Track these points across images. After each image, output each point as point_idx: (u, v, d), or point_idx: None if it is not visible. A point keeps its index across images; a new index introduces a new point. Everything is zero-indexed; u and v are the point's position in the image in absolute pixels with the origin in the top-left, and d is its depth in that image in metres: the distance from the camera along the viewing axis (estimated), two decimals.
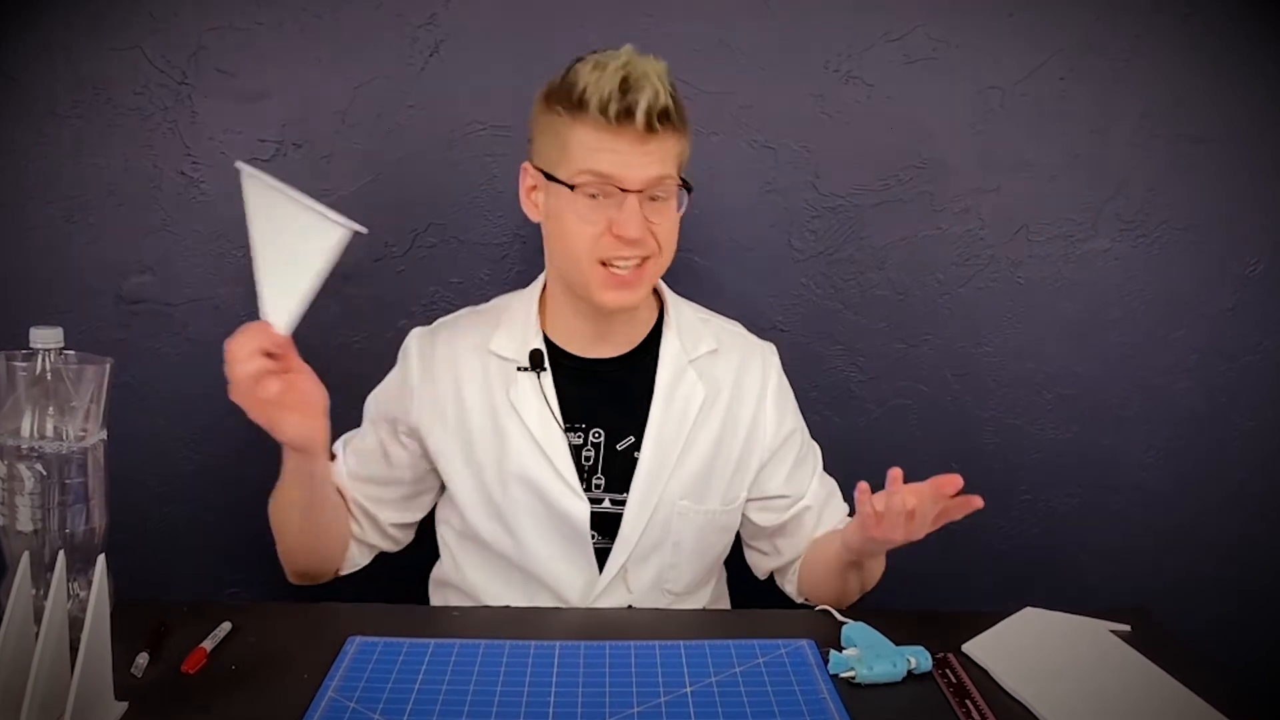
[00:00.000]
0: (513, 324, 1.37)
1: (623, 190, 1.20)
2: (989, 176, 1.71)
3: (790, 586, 1.42)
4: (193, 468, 1.77)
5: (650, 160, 1.20)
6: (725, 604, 1.50)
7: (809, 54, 1.67)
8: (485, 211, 1.70)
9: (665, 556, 1.34)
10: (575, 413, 1.33)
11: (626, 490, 1.32)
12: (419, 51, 1.65)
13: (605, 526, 1.32)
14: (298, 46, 1.64)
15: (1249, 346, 1.78)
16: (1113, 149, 1.71)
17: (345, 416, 1.69)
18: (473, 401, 1.34)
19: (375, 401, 1.41)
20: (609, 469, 1.33)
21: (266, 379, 1.10)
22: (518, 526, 1.32)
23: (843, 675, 1.07)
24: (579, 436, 1.32)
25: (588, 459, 1.32)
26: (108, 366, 1.11)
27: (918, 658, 1.09)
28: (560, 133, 1.22)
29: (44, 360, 1.07)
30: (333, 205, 1.69)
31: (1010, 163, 1.71)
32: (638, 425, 1.33)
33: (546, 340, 1.35)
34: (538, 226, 1.70)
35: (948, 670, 1.10)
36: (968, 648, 1.15)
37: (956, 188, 1.72)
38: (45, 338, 1.08)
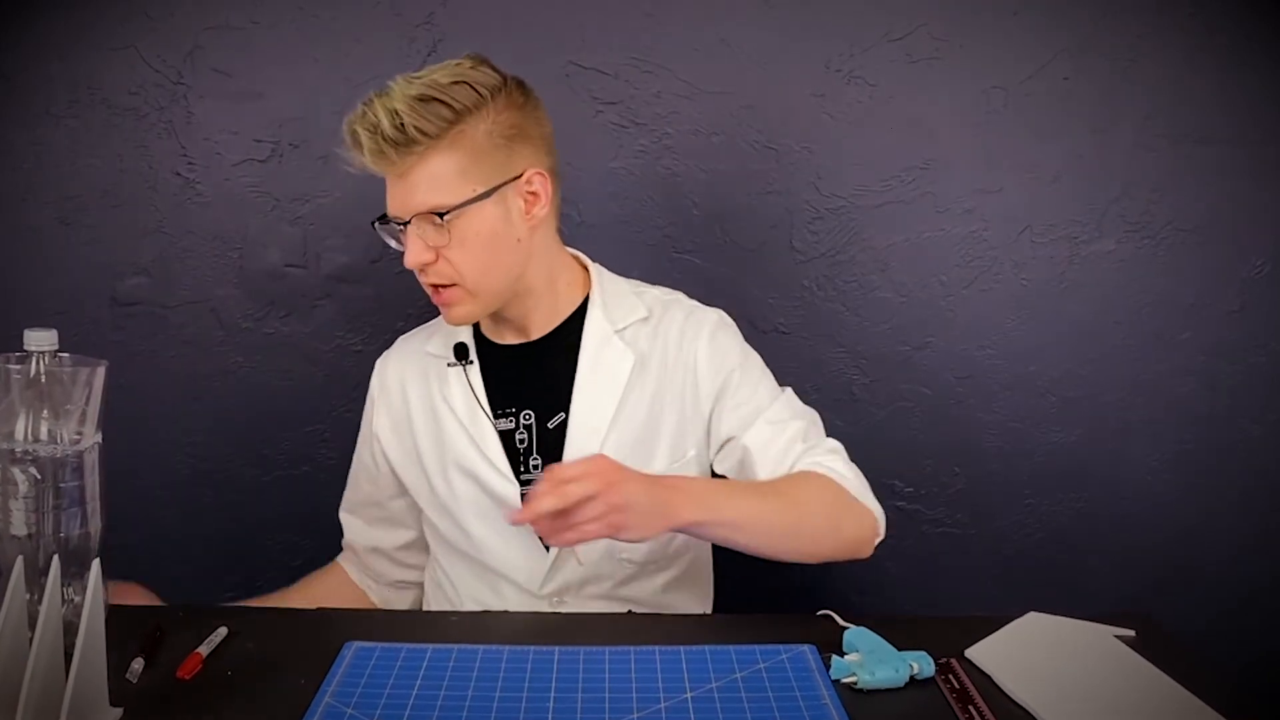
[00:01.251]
0: (445, 326, 1.40)
1: (398, 223, 1.24)
2: (992, 177, 1.72)
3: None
4: (189, 471, 1.77)
5: (410, 189, 1.22)
6: (708, 580, 1.50)
7: (810, 54, 1.67)
8: None
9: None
10: (504, 398, 1.36)
11: None
12: (417, 51, 1.65)
13: None
14: (294, 46, 1.65)
15: (1255, 349, 1.78)
16: (1117, 150, 1.71)
17: (343, 418, 1.70)
18: (415, 403, 1.40)
19: (357, 450, 1.50)
20: (544, 449, 1.34)
21: None
22: (463, 518, 1.36)
23: (844, 681, 1.07)
24: (510, 421, 1.35)
25: (522, 441, 1.35)
26: (102, 369, 1.10)
27: (920, 663, 1.09)
28: None
29: (38, 362, 1.06)
30: (331, 206, 1.71)
31: (1013, 163, 1.71)
32: (566, 401, 1.34)
33: (478, 334, 1.40)
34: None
35: (951, 676, 1.10)
36: (971, 653, 1.15)
37: (959, 188, 1.72)
38: (39, 340, 1.07)
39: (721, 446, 1.36)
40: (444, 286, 1.26)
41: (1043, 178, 1.72)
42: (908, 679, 1.07)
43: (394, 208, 1.24)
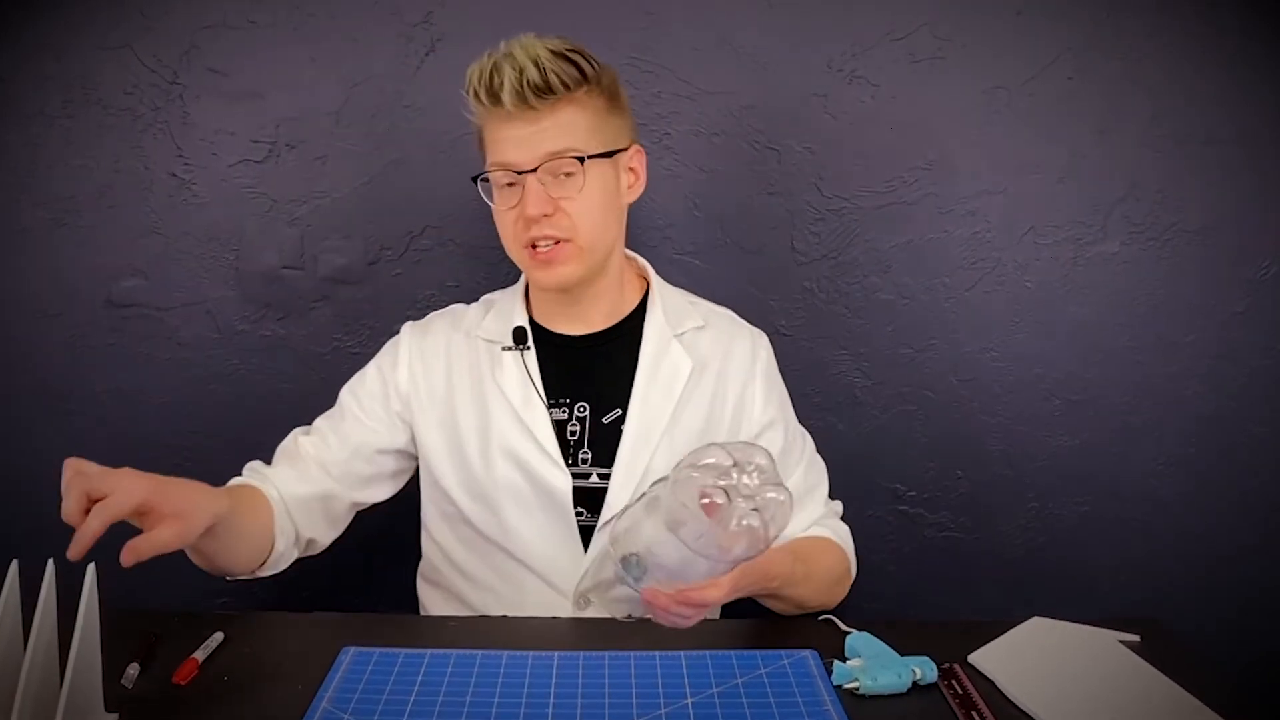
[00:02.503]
0: (499, 309, 1.42)
1: (519, 172, 1.25)
2: (995, 178, 1.72)
3: None
4: (184, 475, 1.76)
5: (542, 136, 1.24)
6: None
7: (812, 53, 1.67)
8: (482, 214, 1.69)
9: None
10: (559, 388, 1.36)
11: (613, 463, 1.34)
12: (415, 51, 1.66)
13: (592, 502, 1.34)
14: (291, 46, 1.65)
15: (1260, 351, 1.77)
16: (1121, 150, 1.71)
17: None
18: (460, 385, 1.38)
19: (358, 388, 1.42)
20: (595, 443, 1.35)
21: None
22: (501, 506, 1.34)
23: (846, 686, 1.07)
24: (564, 412, 1.36)
25: (573, 433, 1.35)
26: None
27: (923, 668, 1.09)
28: (477, 126, 1.31)
29: None
30: (328, 207, 1.71)
31: (1017, 164, 1.71)
32: (624, 398, 1.36)
33: (532, 321, 1.40)
34: None
35: (953, 681, 1.10)
36: (974, 658, 1.15)
37: (962, 189, 1.72)
38: None
39: None
40: (556, 242, 1.28)
41: (1047, 178, 1.72)
42: (910, 684, 1.08)
43: (518, 154, 1.25)
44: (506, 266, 1.70)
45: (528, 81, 1.21)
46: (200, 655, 1.11)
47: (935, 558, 1.84)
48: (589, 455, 1.35)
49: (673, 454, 1.30)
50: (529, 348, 1.37)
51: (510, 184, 1.27)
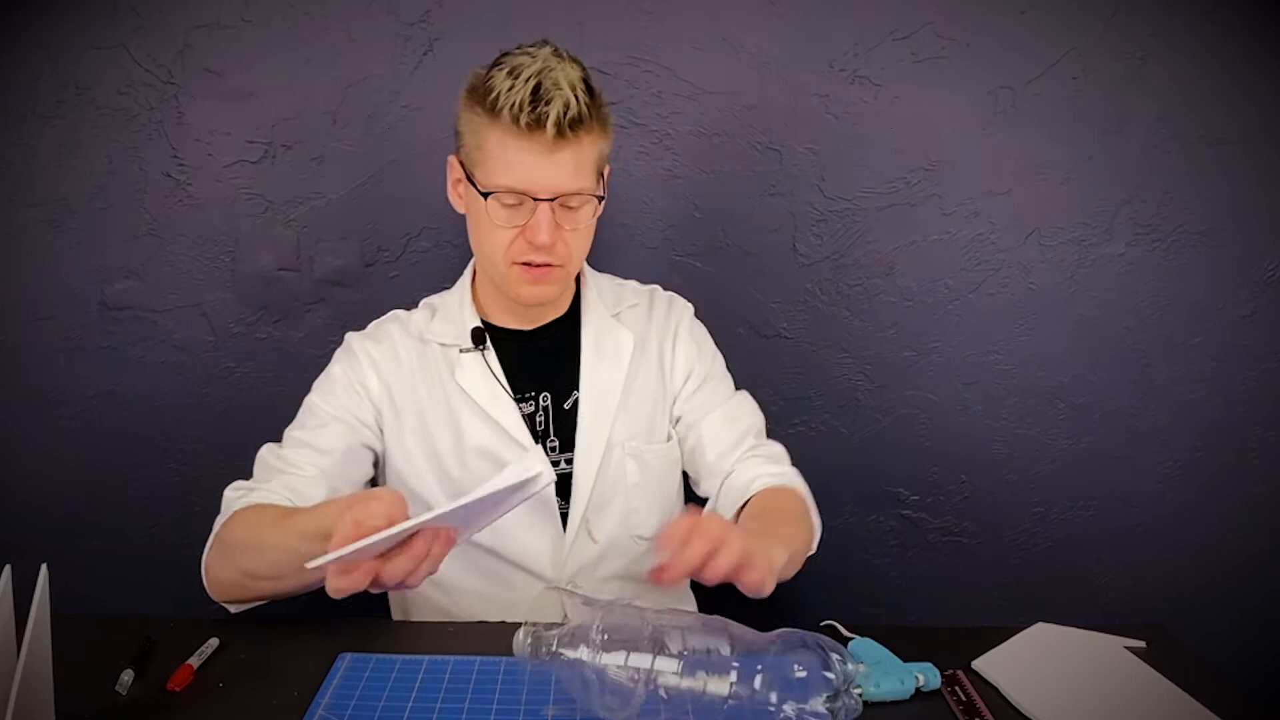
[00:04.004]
0: (448, 312, 1.44)
1: (535, 200, 1.25)
2: (1000, 179, 1.72)
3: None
4: (178, 479, 1.77)
5: (562, 170, 1.24)
6: None
7: (814, 53, 1.68)
8: None
9: (625, 500, 1.40)
10: (521, 382, 1.39)
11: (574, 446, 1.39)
12: (412, 50, 1.66)
13: (565, 488, 1.38)
14: (287, 45, 1.65)
15: (1268, 353, 1.78)
16: (1127, 151, 1.71)
17: None
18: (422, 390, 1.39)
19: (329, 392, 1.38)
20: (560, 429, 1.39)
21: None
22: None
23: None
24: (530, 405, 1.39)
25: (540, 424, 1.39)
26: None
27: (926, 675, 1.09)
28: (478, 133, 1.26)
29: None
30: (325, 208, 1.71)
31: (1022, 165, 1.71)
32: (578, 382, 1.40)
33: (483, 321, 1.42)
34: None
35: (957, 688, 1.10)
36: (978, 664, 1.15)
37: (966, 190, 1.72)
38: None
39: (674, 424, 1.46)
40: (549, 266, 1.29)
41: (1051, 180, 1.72)
42: (913, 691, 1.08)
43: (538, 183, 1.24)
44: None
45: (569, 114, 1.21)
46: (195, 662, 1.11)
47: (938, 563, 1.84)
48: (556, 442, 1.39)
49: (631, 423, 1.39)
50: (488, 347, 1.39)
51: (516, 205, 1.26)
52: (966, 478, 1.82)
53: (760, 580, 1.05)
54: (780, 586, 1.76)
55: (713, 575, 1.02)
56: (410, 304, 1.70)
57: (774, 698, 0.94)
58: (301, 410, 1.38)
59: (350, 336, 1.44)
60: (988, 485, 1.82)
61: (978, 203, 1.73)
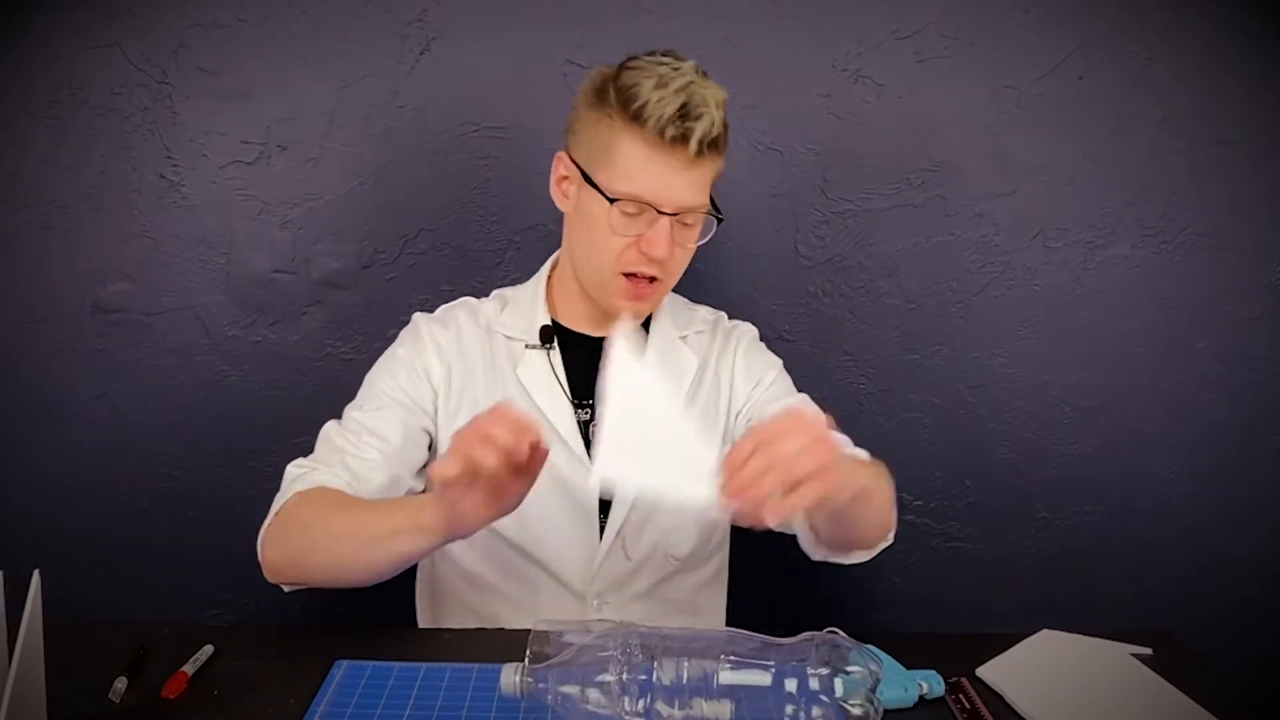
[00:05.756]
0: (519, 306, 1.43)
1: (659, 211, 1.23)
2: (1004, 180, 1.72)
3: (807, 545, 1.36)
4: (172, 484, 1.77)
5: (692, 187, 1.24)
6: (726, 582, 1.52)
7: (816, 52, 1.68)
8: (479, 217, 1.71)
9: (664, 520, 1.38)
10: (582, 388, 1.38)
11: None
12: (410, 50, 1.66)
13: (605, 502, 1.36)
14: (283, 44, 1.65)
15: (1275, 357, 1.78)
16: (1133, 152, 1.71)
17: None
18: (482, 381, 1.38)
19: (390, 373, 1.37)
20: None
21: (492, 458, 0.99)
22: (524, 505, 1.32)
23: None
24: (586, 412, 1.38)
25: (593, 432, 1.36)
26: None
27: (930, 682, 1.09)
28: (605, 136, 1.24)
29: None
30: (322, 209, 1.71)
31: (1026, 166, 1.72)
32: None
33: (552, 320, 1.41)
34: (533, 232, 1.71)
35: (961, 695, 1.10)
36: (982, 671, 1.15)
37: (970, 192, 1.72)
38: None
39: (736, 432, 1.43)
40: (654, 281, 1.29)
41: (1056, 180, 1.72)
42: (917, 699, 1.08)
43: (667, 196, 1.23)
44: (502, 270, 1.71)
45: (714, 137, 1.21)
46: (190, 669, 1.11)
47: (942, 569, 1.84)
48: None
49: None
50: (554, 346, 1.38)
51: (636, 214, 1.24)
52: (970, 482, 1.82)
53: (830, 486, 0.96)
54: (781, 591, 1.76)
55: (788, 474, 0.94)
56: (408, 305, 1.70)
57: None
58: (363, 389, 1.38)
59: (418, 318, 1.43)
60: (992, 489, 1.82)
61: (982, 204, 1.73)
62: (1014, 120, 1.70)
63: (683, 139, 1.19)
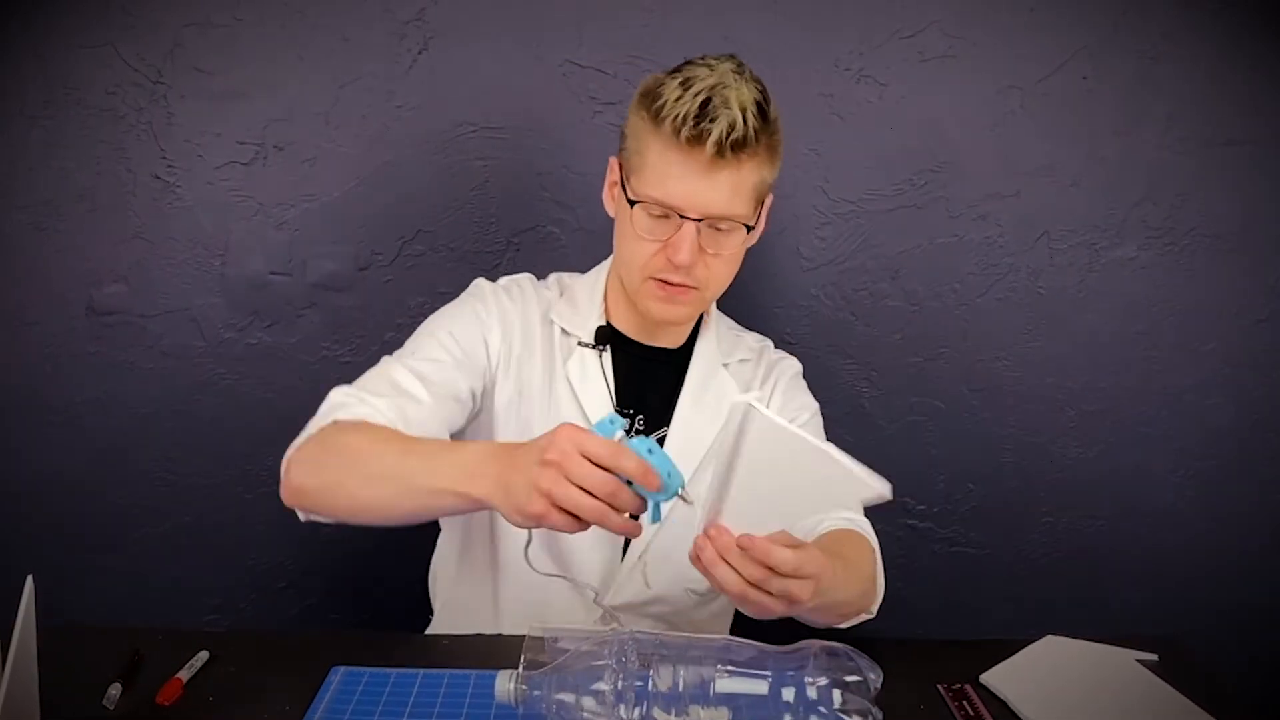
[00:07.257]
0: (574, 300, 1.41)
1: (682, 217, 1.22)
2: (1008, 181, 1.72)
3: None
4: (168, 489, 1.77)
5: (716, 191, 1.22)
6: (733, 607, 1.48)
7: (818, 52, 1.68)
8: (477, 218, 1.71)
9: (687, 552, 1.34)
10: (626, 397, 1.37)
11: None
12: (407, 49, 1.66)
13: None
14: (279, 44, 1.65)
15: None
16: (1139, 152, 1.71)
17: None
18: (534, 365, 1.37)
19: (445, 332, 1.34)
20: None
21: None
22: None
23: None
24: (626, 420, 1.36)
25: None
26: None
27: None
28: (641, 138, 1.25)
29: None
30: (319, 210, 1.71)
31: (1031, 166, 1.72)
32: (670, 419, 1.38)
33: (607, 322, 1.40)
34: (532, 234, 1.72)
35: (965, 702, 1.11)
36: (986, 678, 1.15)
37: (974, 192, 1.72)
38: None
39: None
40: (685, 287, 1.28)
41: (1061, 181, 1.72)
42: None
43: (689, 201, 1.22)
44: (502, 272, 1.70)
45: (733, 135, 1.18)
46: (185, 675, 1.11)
47: (945, 574, 1.84)
48: None
49: (708, 482, 1.29)
50: (606, 349, 1.38)
51: (662, 218, 1.24)
52: (974, 486, 1.82)
53: (799, 594, 0.99)
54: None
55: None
56: (405, 308, 1.71)
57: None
58: (420, 339, 1.33)
59: (482, 282, 1.41)
60: (996, 494, 1.82)
61: (986, 205, 1.73)
62: (1018, 120, 1.70)
63: (699, 139, 1.18)
